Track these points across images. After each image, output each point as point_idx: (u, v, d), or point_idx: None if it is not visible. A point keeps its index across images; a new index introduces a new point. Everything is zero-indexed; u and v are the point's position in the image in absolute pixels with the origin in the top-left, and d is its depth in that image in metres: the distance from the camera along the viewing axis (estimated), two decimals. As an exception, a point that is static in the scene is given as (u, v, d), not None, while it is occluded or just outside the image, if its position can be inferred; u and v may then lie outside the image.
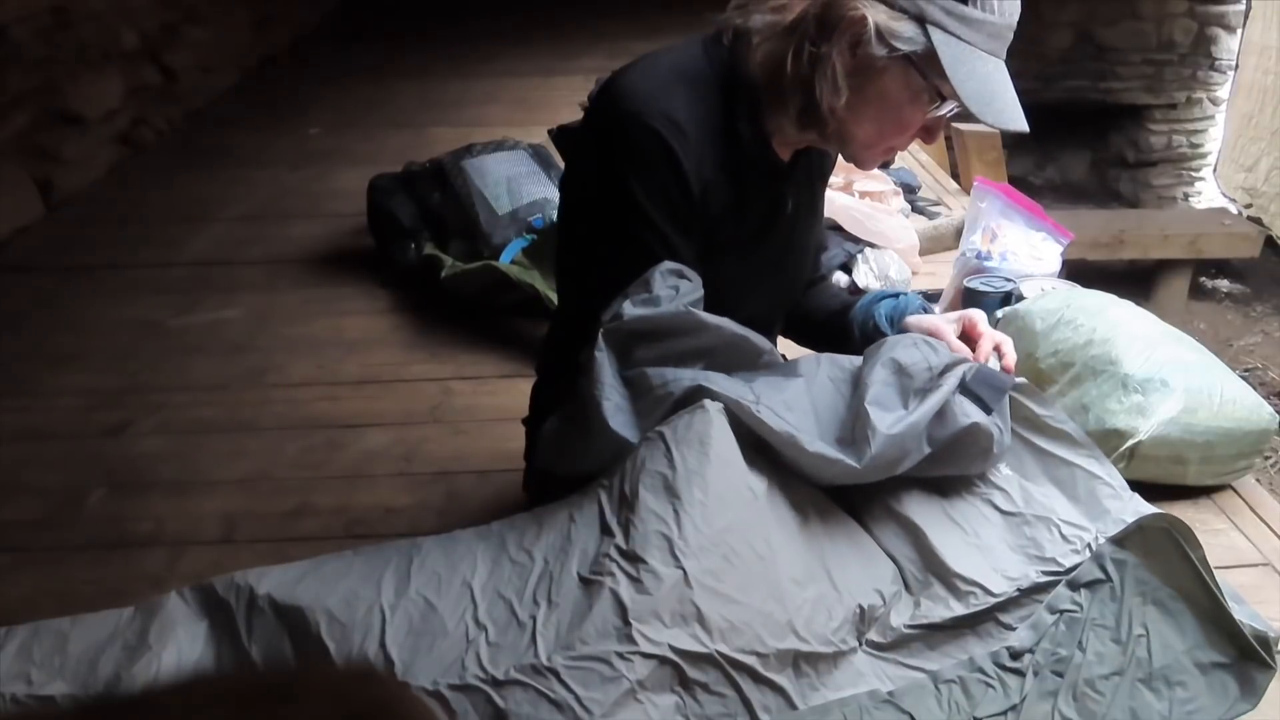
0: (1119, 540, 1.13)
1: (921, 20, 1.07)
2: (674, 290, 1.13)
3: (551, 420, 1.17)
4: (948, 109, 1.13)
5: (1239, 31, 5.31)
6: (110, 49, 3.42)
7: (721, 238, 1.21)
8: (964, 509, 1.18)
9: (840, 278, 2.20)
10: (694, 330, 1.13)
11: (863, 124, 1.16)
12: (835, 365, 1.21)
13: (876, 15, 1.07)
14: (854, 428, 1.12)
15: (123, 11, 3.52)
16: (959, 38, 1.07)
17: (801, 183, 1.31)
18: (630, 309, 1.11)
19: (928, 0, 1.06)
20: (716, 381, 1.11)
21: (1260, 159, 5.13)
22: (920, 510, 1.18)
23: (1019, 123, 1.11)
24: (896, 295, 1.40)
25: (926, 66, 1.09)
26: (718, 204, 1.18)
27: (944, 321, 1.32)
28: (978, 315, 1.32)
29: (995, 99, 1.10)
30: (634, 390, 1.12)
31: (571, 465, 1.15)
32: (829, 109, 1.12)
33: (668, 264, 1.14)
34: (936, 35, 1.07)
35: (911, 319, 1.35)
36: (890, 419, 1.12)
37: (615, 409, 1.10)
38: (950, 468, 1.20)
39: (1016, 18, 1.11)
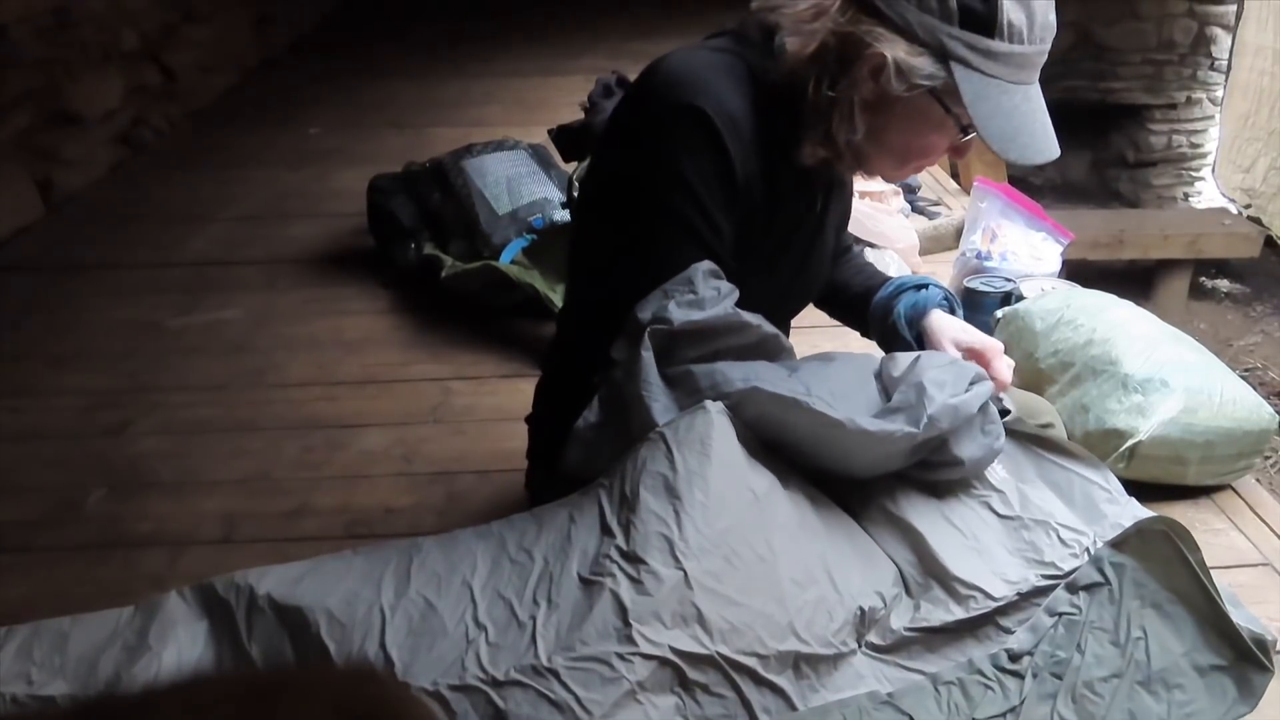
0: (1117, 543, 1.13)
1: (943, 54, 1.04)
2: (716, 291, 1.12)
3: (582, 422, 1.14)
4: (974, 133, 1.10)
5: (1227, 32, 5.31)
6: (110, 49, 3.41)
7: (751, 234, 1.19)
8: (962, 512, 1.18)
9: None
10: (737, 330, 1.14)
11: (884, 154, 1.14)
12: (864, 360, 1.24)
13: (895, 51, 1.04)
14: (914, 398, 1.13)
15: (123, 11, 3.51)
16: (982, 72, 1.04)
17: (832, 184, 1.29)
18: (678, 312, 1.10)
19: (949, 35, 1.03)
20: (764, 380, 1.10)
21: (1257, 159, 5.12)
22: (918, 514, 1.18)
23: (1047, 154, 1.09)
24: (919, 287, 1.37)
25: (949, 99, 1.06)
26: (754, 198, 1.16)
27: (953, 347, 1.30)
28: (994, 352, 1.28)
29: (1020, 134, 1.06)
30: (679, 390, 1.12)
31: (606, 467, 1.13)
32: (845, 143, 1.10)
33: (706, 264, 1.13)
34: (958, 71, 1.04)
35: (930, 324, 1.33)
36: (943, 394, 1.13)
37: (664, 410, 1.10)
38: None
39: (1050, 40, 1.07)
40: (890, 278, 1.43)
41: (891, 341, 1.36)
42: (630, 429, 1.11)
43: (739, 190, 1.13)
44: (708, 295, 1.11)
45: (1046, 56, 1.07)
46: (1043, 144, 1.09)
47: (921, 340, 1.34)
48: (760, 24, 1.13)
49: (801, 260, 1.30)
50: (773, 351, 1.18)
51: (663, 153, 1.11)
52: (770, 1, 1.13)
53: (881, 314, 1.37)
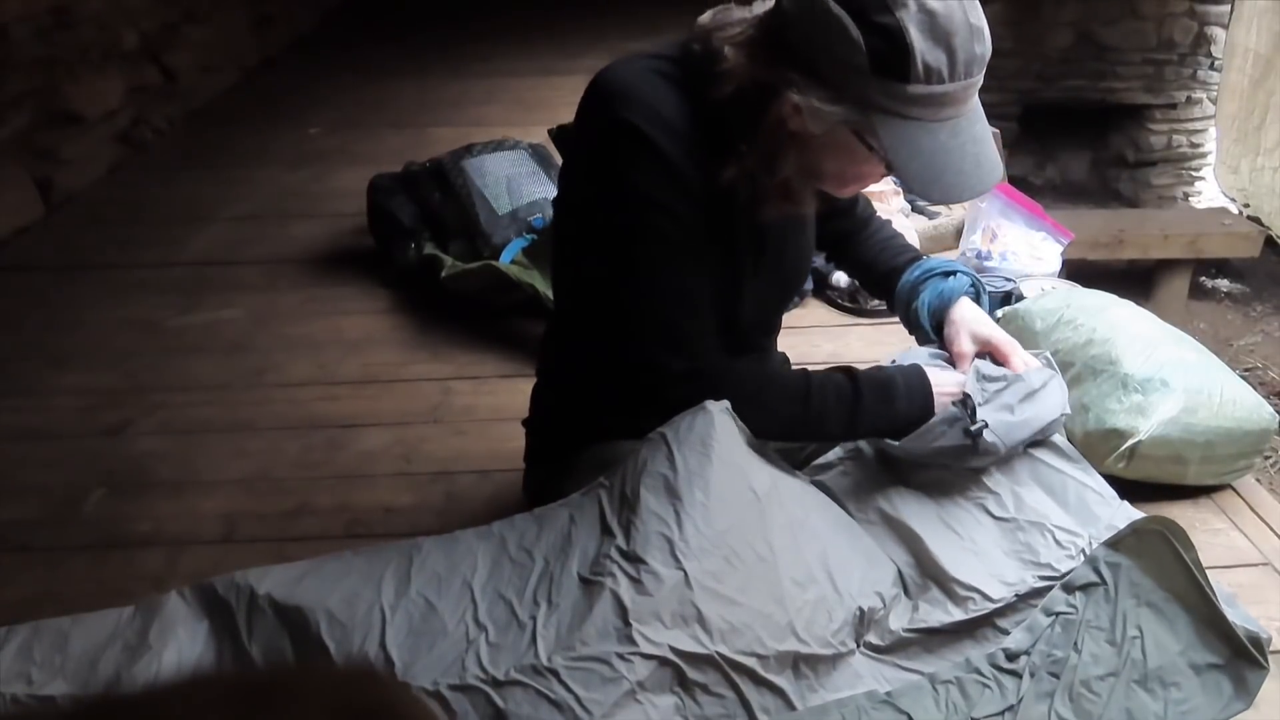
0: (1113, 543, 1.13)
1: (858, 102, 1.00)
2: None
3: None
4: None
5: (1225, 34, 5.31)
6: (110, 49, 3.41)
7: (717, 234, 1.16)
8: (958, 514, 1.18)
9: (840, 278, 2.20)
10: None
11: (820, 182, 1.12)
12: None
13: (808, 101, 1.00)
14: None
15: (123, 11, 3.51)
16: (901, 115, 0.99)
17: None
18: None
19: (865, 86, 0.98)
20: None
21: (1241, 160, 5.13)
22: (916, 516, 1.18)
23: (976, 189, 1.05)
24: (947, 274, 1.33)
25: (869, 136, 1.02)
26: (708, 197, 1.13)
27: (969, 341, 1.28)
28: (1010, 348, 1.27)
29: (945, 173, 1.02)
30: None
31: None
32: (766, 183, 1.09)
33: None
34: (876, 116, 1.00)
35: (953, 315, 1.31)
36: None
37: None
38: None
39: (980, 72, 1.00)
40: (917, 254, 1.39)
41: (913, 329, 1.35)
42: None
43: (691, 188, 1.10)
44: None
45: (980, 83, 1.02)
46: (972, 180, 1.04)
47: (940, 329, 1.32)
48: (702, 39, 1.10)
49: (778, 257, 1.27)
50: None
51: (611, 173, 1.11)
52: (713, 21, 1.11)
53: (906, 299, 1.34)
